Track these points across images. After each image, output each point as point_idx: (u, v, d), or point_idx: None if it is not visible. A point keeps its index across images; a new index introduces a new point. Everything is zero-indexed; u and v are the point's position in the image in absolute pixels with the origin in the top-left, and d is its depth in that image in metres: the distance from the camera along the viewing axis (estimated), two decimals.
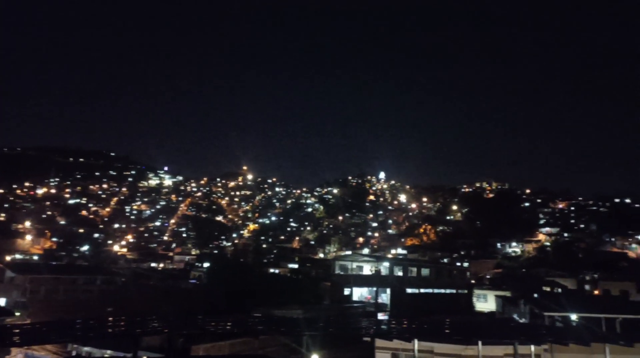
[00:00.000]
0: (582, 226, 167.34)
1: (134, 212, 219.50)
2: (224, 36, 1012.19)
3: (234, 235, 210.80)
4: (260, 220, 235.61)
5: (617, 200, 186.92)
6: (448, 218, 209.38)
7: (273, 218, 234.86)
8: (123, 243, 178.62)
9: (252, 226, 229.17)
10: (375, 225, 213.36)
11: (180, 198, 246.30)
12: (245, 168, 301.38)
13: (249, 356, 28.93)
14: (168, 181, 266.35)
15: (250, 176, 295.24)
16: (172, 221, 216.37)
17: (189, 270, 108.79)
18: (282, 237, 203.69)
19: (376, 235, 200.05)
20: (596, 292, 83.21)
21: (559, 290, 74.22)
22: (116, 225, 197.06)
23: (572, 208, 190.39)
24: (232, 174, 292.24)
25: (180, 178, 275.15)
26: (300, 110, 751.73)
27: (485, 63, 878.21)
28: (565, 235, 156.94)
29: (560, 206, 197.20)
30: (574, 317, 37.75)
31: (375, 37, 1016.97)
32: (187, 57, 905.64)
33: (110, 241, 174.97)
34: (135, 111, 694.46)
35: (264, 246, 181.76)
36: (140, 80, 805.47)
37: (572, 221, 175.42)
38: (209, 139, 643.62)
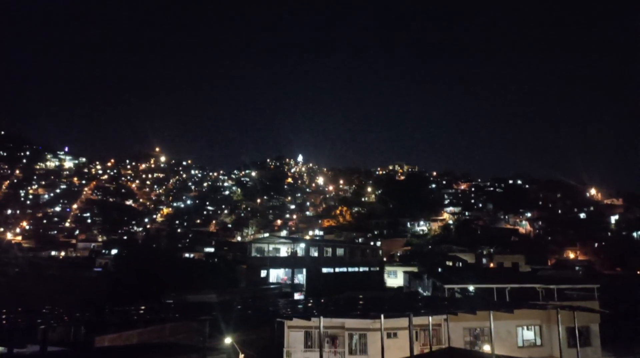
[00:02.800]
0: (480, 205, 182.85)
1: (30, 197, 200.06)
2: (137, 5, 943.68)
3: (146, 220, 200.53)
4: (175, 204, 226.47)
5: (510, 182, 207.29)
6: (363, 199, 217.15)
7: (188, 202, 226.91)
8: (17, 230, 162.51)
9: (165, 210, 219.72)
10: (293, 207, 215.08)
11: (83, 181, 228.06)
12: (157, 149, 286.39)
13: (158, 344, 28.02)
14: (69, 163, 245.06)
15: (163, 158, 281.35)
16: (75, 206, 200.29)
17: (94, 257, 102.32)
18: (198, 221, 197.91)
19: (294, 217, 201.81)
20: (492, 265, 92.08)
21: (460, 264, 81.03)
22: (8, 211, 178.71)
23: (473, 189, 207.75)
24: (143, 155, 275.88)
25: (84, 159, 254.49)
26: (216, 91, 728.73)
27: (400, 50, 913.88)
28: (466, 213, 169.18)
29: (462, 187, 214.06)
30: (471, 288, 41.47)
31: (292, 19, 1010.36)
32: (92, 24, 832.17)
33: (1, 229, 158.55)
34: (28, 84, 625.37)
35: (179, 230, 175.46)
36: (31, 47, 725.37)
37: (472, 201, 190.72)
38: (115, 118, 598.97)
